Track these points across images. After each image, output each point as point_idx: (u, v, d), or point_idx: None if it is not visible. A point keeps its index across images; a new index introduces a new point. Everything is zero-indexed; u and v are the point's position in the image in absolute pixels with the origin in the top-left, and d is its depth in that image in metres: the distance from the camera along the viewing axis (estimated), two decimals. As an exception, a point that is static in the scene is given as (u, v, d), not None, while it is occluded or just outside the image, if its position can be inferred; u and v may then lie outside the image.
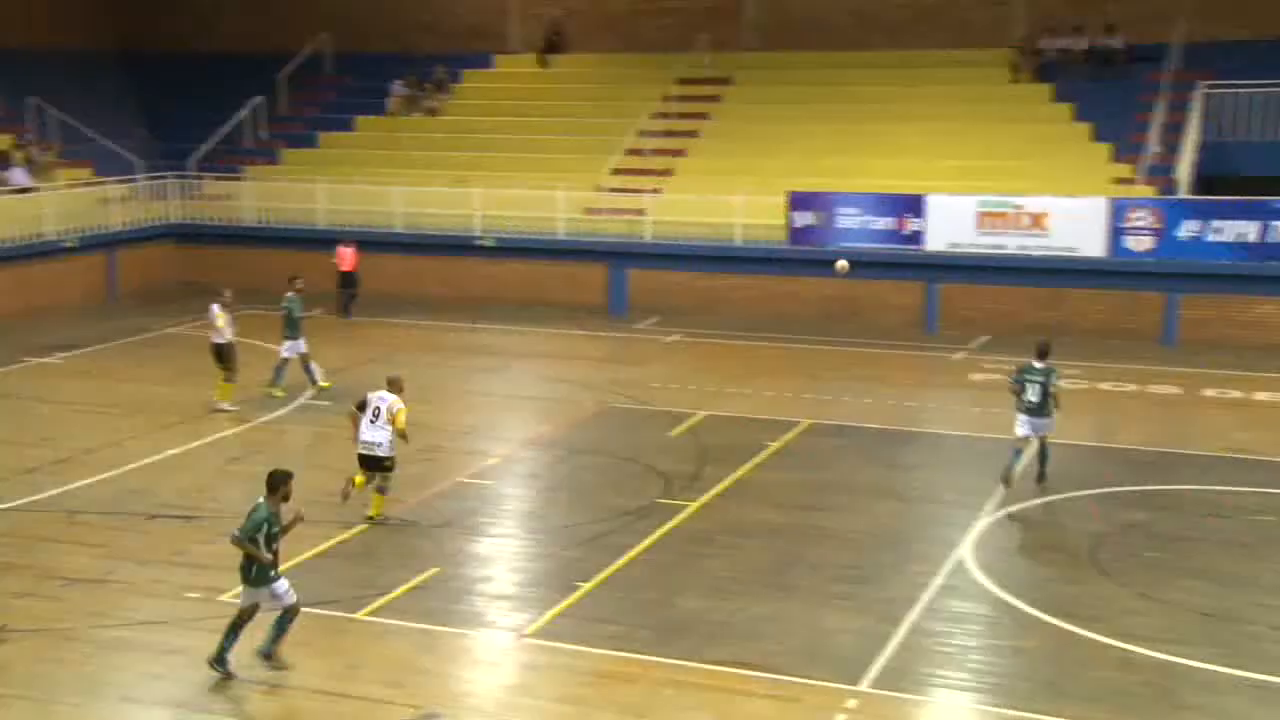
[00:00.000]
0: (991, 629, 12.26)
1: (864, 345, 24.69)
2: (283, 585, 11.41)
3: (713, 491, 16.14)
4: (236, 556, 13.80)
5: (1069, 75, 29.46)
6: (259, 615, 11.37)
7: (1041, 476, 16.27)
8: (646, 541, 14.46)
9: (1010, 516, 15.25)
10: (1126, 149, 26.82)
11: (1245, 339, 24.13)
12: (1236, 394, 20.77)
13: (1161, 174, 25.92)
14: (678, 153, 30.60)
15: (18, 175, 28.96)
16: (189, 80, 35.81)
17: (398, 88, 34.39)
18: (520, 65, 35.20)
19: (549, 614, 12.60)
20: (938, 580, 13.23)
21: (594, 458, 17.77)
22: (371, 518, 15.01)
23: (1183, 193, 25.29)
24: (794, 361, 23.56)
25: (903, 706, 10.85)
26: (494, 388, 21.99)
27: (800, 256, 26.96)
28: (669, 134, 30.97)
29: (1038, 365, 16.23)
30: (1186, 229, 24.40)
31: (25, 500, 15.81)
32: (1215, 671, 11.15)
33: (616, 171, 29.95)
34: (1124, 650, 11.56)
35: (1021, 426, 16.10)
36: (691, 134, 31.15)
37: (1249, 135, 26.64)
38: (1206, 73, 27.19)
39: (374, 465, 15.03)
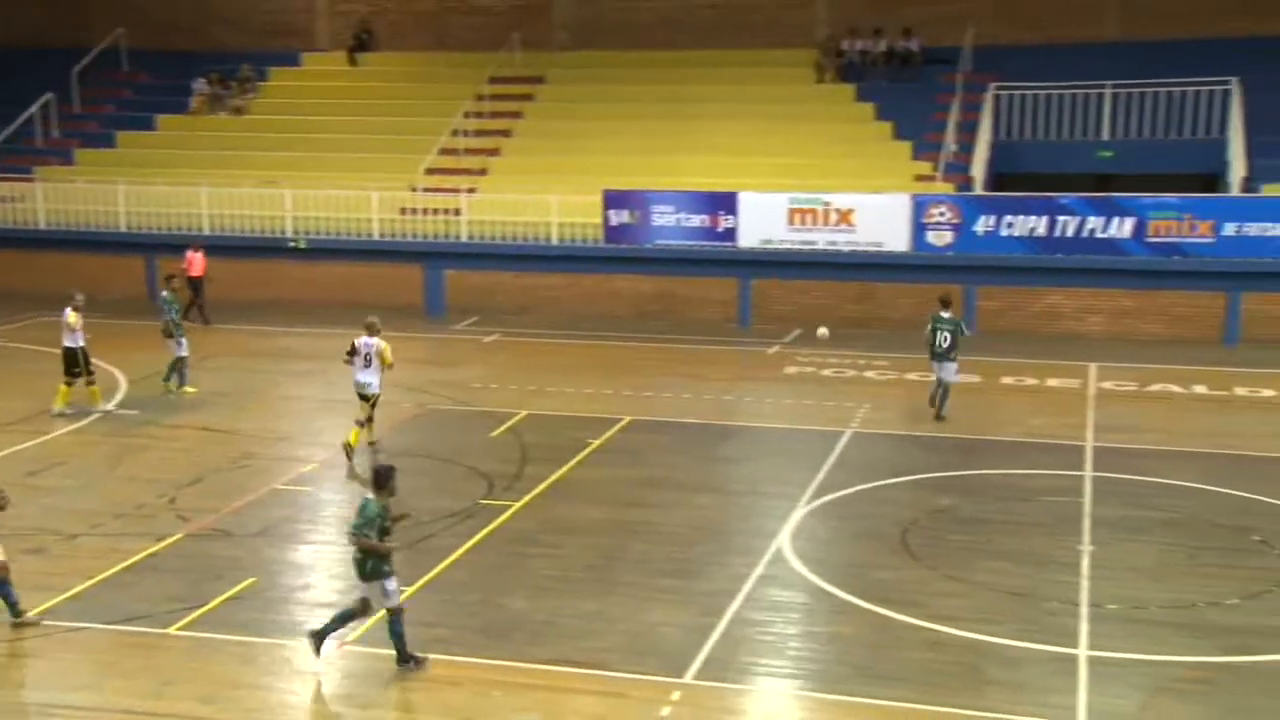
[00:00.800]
0: (809, 616, 12.53)
1: (681, 341, 24.98)
2: (393, 583, 11.31)
3: (535, 491, 16.09)
4: (36, 575, 13.22)
5: (870, 76, 30.40)
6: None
7: (939, 416, 18.99)
8: (470, 543, 14.32)
9: (826, 505, 15.62)
10: (925, 147, 27.81)
11: (1037, 328, 25.30)
12: (1031, 381, 21.75)
13: (958, 172, 26.97)
14: (492, 152, 30.42)
15: None
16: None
17: (201, 86, 33.29)
18: (329, 64, 34.51)
19: (371, 621, 12.33)
20: (758, 571, 13.46)
21: (414, 460, 17.47)
22: (350, 445, 17.24)
23: (978, 190, 26.34)
24: (614, 359, 23.67)
25: (726, 696, 10.99)
26: (310, 392, 21.48)
27: (617, 254, 27.12)
28: (482, 133, 30.76)
29: (945, 315, 19.00)
30: (982, 224, 25.43)
31: None
32: (1018, 647, 11.62)
33: (431, 171, 29.59)
34: (934, 631, 11.95)
35: (937, 369, 19.05)
36: (505, 133, 31.01)
37: (1036, 135, 27.92)
38: (996, 75, 28.39)
39: (367, 400, 17.33)
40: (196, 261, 26.73)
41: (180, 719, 10.53)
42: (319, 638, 11.42)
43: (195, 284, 26.58)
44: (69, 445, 18.16)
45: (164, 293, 21.61)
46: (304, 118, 32.12)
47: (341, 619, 11.44)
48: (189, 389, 20.99)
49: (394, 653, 11.41)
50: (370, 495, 11.41)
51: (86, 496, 15.93)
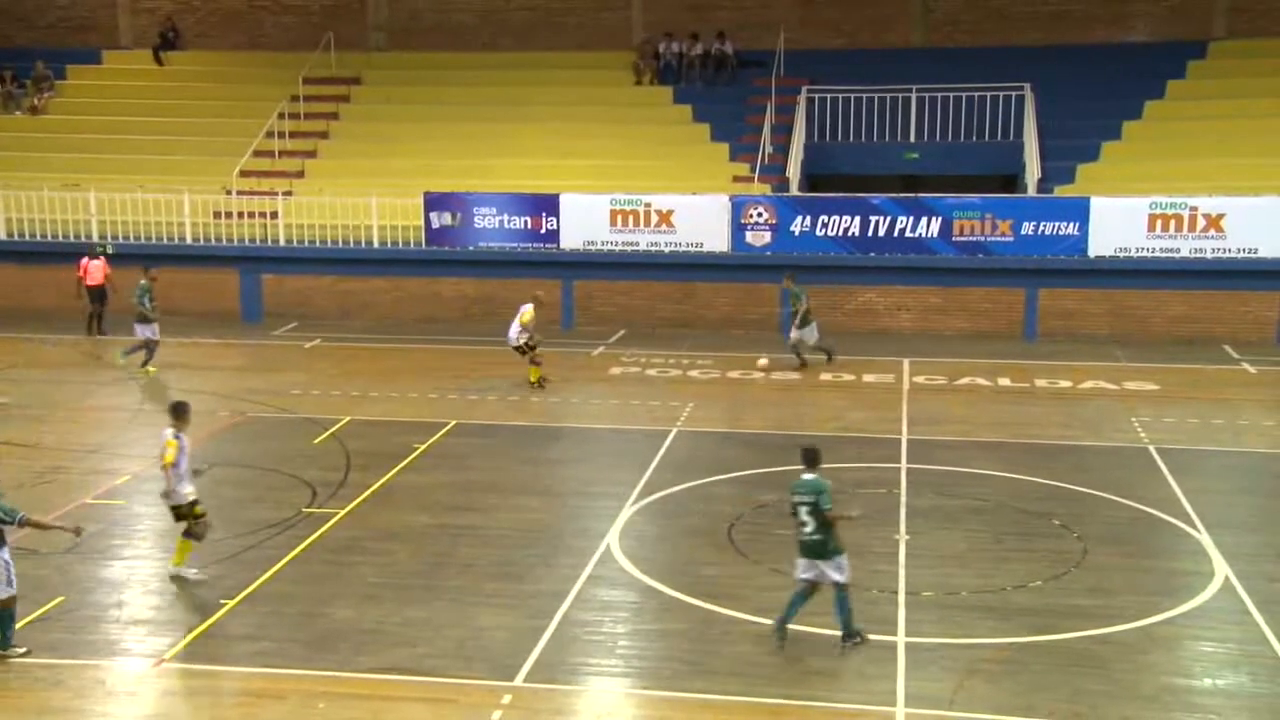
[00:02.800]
0: (638, 614, 12.63)
1: (504, 343, 24.84)
2: (845, 559, 11.63)
3: (360, 498, 15.82)
4: None
5: (687, 79, 30.82)
6: None
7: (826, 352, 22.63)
8: (293, 553, 13.99)
9: (653, 504, 15.78)
10: (741, 149, 28.35)
11: (853, 325, 26.05)
12: (849, 377, 22.37)
13: (774, 173, 27.57)
14: (309, 154, 29.78)
15: None
16: None
17: (-8, 83, 31.67)
18: (133, 61, 33.23)
19: (189, 636, 11.97)
20: (587, 571, 13.51)
21: (234, 470, 17.00)
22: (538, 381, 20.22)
23: (793, 190, 26.98)
24: (438, 362, 23.44)
25: (556, 697, 11.00)
26: (121, 402, 20.65)
27: (439, 257, 26.86)
28: (298, 134, 30.08)
29: (794, 287, 22.22)
30: (798, 224, 26.05)
31: None
32: (836, 636, 11.93)
33: (245, 173, 28.79)
34: (759, 625, 12.18)
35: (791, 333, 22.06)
36: (322, 134, 30.40)
37: (847, 137, 28.75)
38: (808, 78, 29.12)
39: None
40: (94, 270, 25.26)
41: (-15, 749, 10.03)
42: (782, 627, 11.68)
43: (95, 293, 25.12)
44: None
45: (141, 280, 22.40)
46: (108, 118, 30.89)
47: (797, 603, 11.72)
48: (151, 368, 22.35)
49: (32, 684, 11.01)
50: (809, 475, 11.82)
51: (-124, 519, 14.95)
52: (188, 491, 13.35)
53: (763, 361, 22.36)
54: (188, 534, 13.46)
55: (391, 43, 33.07)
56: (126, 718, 10.77)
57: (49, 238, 27.71)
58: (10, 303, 27.30)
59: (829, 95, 28.64)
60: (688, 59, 31.15)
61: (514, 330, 21.17)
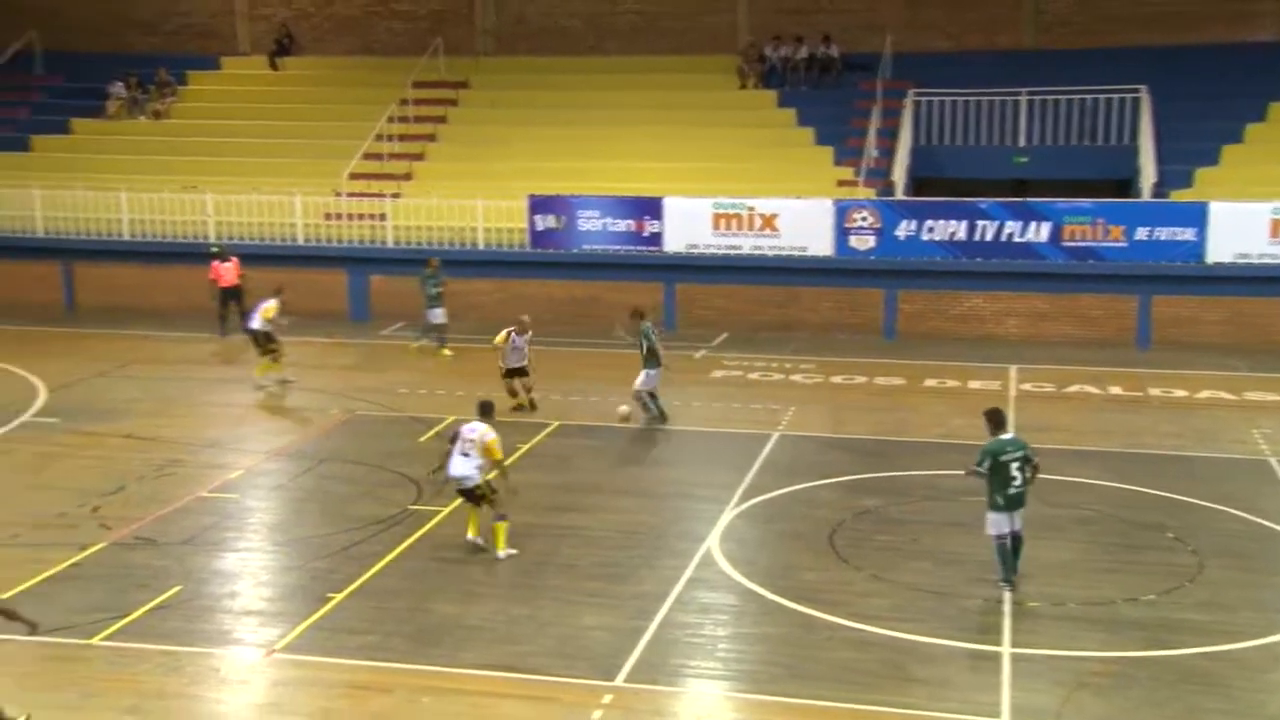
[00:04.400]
0: (738, 618, 12.62)
1: (607, 346, 24.95)
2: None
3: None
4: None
5: (791, 82, 30.67)
6: None
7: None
8: (399, 549, 14.23)
9: (754, 508, 15.74)
10: (846, 153, 28.13)
11: (957, 331, 25.69)
12: (953, 383, 22.07)
13: (879, 177, 27.31)
14: (417, 156, 30.24)
15: None
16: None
17: (118, 89, 32.67)
18: (250, 68, 34.05)
19: (299, 628, 12.24)
20: (687, 573, 13.53)
21: (343, 466, 17.36)
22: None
23: (898, 194, 26.71)
24: (541, 363, 23.56)
25: (656, 699, 11.04)
26: (235, 399, 21.19)
27: (543, 259, 27.09)
28: (407, 138, 30.56)
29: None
30: (903, 228, 25.77)
31: None
32: (941, 645, 11.80)
33: (355, 176, 29.34)
34: (859, 630, 12.10)
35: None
36: (430, 138, 30.84)
37: (954, 141, 28.37)
38: (914, 82, 28.80)
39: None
40: (226, 272, 25.89)
41: (105, 731, 10.37)
42: (1009, 576, 12.93)
43: (228, 293, 25.67)
44: (-14, 454, 17.77)
45: (425, 270, 24.10)
46: (225, 122, 31.68)
47: (1013, 556, 12.96)
48: (446, 350, 23.75)
49: (150, 670, 11.41)
50: (1005, 435, 13.14)
51: (4, 506, 15.58)
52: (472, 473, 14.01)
53: (623, 409, 19.18)
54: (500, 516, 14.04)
55: (499, 47, 33.44)
56: (239, 705, 11.06)
57: (169, 238, 28.51)
58: (134, 301, 28.17)
59: (936, 99, 28.29)
60: (792, 62, 31.01)
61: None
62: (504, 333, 20.21)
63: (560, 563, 13.94)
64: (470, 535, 14.27)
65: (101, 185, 28.95)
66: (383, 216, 28.04)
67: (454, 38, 32.91)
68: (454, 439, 14.22)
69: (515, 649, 11.79)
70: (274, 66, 33.80)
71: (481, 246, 27.47)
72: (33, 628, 10.50)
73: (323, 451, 17.94)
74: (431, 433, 18.81)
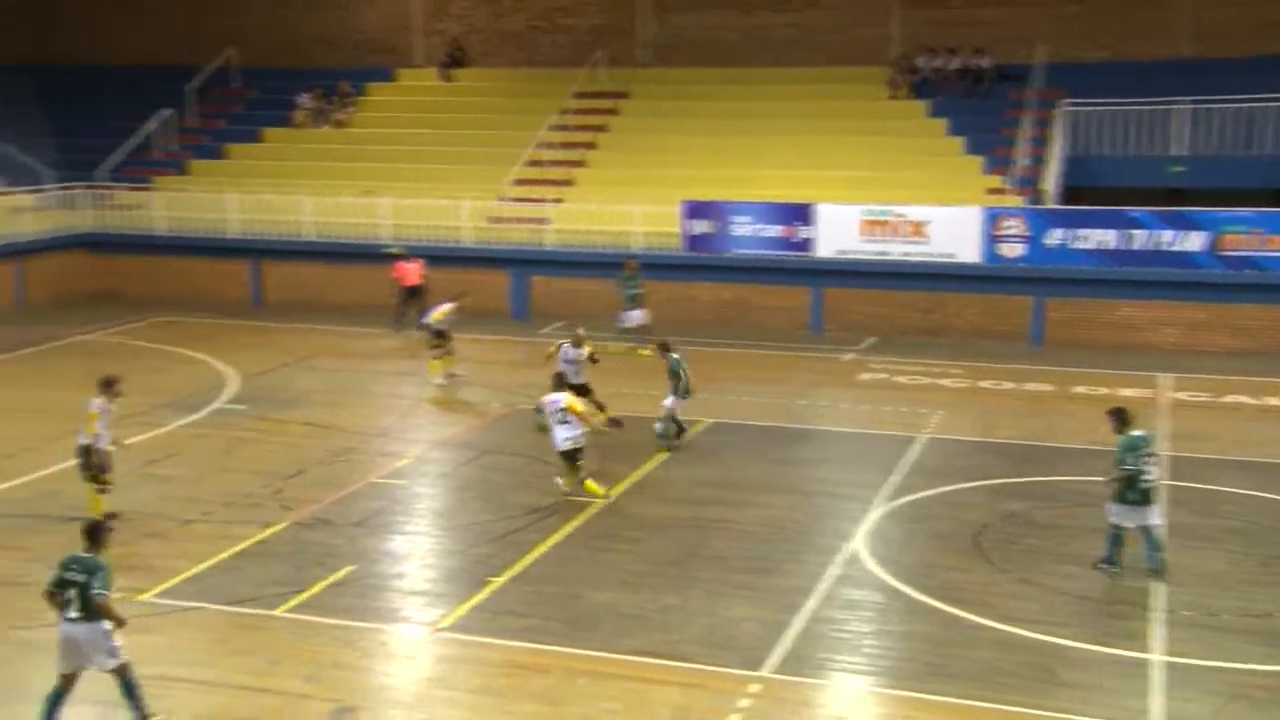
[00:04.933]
0: (883, 615, 12.42)
1: (757, 347, 24.89)
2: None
3: (618, 488, 16.11)
4: (155, 557, 13.56)
5: (942, 92, 30.06)
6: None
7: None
8: (555, 537, 14.39)
9: (900, 508, 15.47)
10: (996, 162, 27.43)
11: (1107, 339, 24.80)
12: (1103, 390, 21.32)
13: (1029, 185, 26.56)
14: (577, 164, 30.54)
15: (-74, 185, 27.91)
16: (100, 93, 34.88)
17: (304, 100, 33.81)
18: (423, 79, 34.86)
19: (462, 608, 12.48)
20: (834, 569, 13.37)
21: (503, 458, 17.64)
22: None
23: (1049, 203, 25.94)
24: (692, 363, 23.54)
25: (802, 690, 10.93)
26: (405, 391, 21.70)
27: (696, 263, 27.08)
28: (568, 145, 30.90)
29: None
30: (1053, 237, 25.01)
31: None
32: (1088, 650, 11.42)
33: (518, 182, 29.80)
34: (1005, 632, 11.79)
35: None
36: (590, 145, 31.12)
37: (1107, 150, 27.41)
38: (1067, 91, 27.93)
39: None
40: (409, 272, 26.50)
41: (287, 695, 10.72)
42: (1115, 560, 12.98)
43: (410, 292, 26.20)
44: (184, 438, 18.54)
45: (623, 272, 24.32)
46: (400, 130, 32.50)
47: (1155, 547, 12.93)
48: (643, 351, 23.24)
49: (327, 641, 11.69)
50: (1136, 431, 12.96)
51: (199, 485, 16.27)
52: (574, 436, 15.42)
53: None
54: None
55: (658, 59, 33.55)
56: (406, 679, 11.32)
57: (348, 239, 29.39)
58: (316, 297, 29.12)
59: (1089, 108, 27.39)
60: (944, 73, 30.40)
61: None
62: (556, 344, 19.27)
63: (709, 555, 13.92)
64: (601, 493, 15.60)
65: (288, 189, 30.00)
66: (544, 220, 28.41)
67: (615, 50, 33.17)
68: (540, 410, 15.95)
69: (666, 636, 11.81)
70: (445, 78, 34.55)
71: (637, 250, 27.60)
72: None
73: (485, 443, 18.25)
74: (588, 427, 18.92)
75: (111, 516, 13.96)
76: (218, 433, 18.78)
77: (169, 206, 30.68)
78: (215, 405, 20.25)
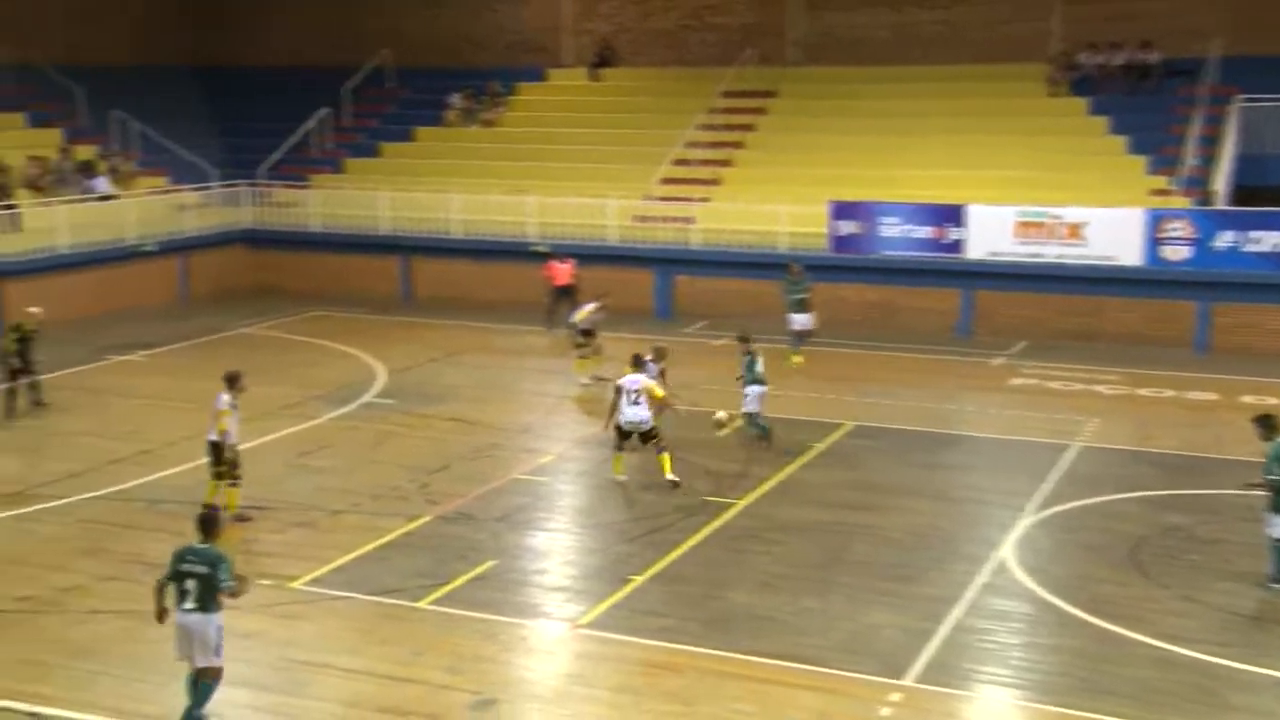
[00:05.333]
0: (1033, 627, 12.08)
1: (904, 350, 24.48)
2: None
3: (759, 490, 16.05)
4: (305, 546, 14.01)
5: (1105, 89, 29.08)
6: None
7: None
8: (695, 537, 14.39)
9: (1051, 517, 15.04)
10: (1161, 162, 26.43)
11: (1277, 347, 23.66)
12: (1273, 400, 20.35)
13: (1196, 186, 25.52)
14: (724, 163, 30.50)
15: (101, 184, 29.33)
16: (260, 93, 36.20)
17: (455, 100, 34.52)
18: (572, 79, 35.24)
19: (601, 606, 12.57)
20: (980, 579, 13.07)
21: (642, 456, 17.68)
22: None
23: (1219, 204, 24.88)
24: (837, 364, 23.38)
25: (946, 701, 10.71)
26: (549, 388, 21.96)
27: (843, 263, 26.75)
28: (715, 145, 30.87)
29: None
30: (1223, 239, 23.98)
31: (112, 489, 16.02)
32: (1257, 673, 10.91)
33: (665, 181, 29.89)
34: (1164, 650, 11.35)
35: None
36: (737, 145, 31.04)
37: (1283, 148, 26.19)
38: (1240, 87, 26.75)
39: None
40: (561, 272, 26.77)
41: (429, 685, 10.95)
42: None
43: (561, 291, 26.34)
44: (334, 430, 19.10)
45: (787, 275, 23.81)
46: (548, 130, 32.91)
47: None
48: (796, 359, 23.03)
49: (468, 634, 11.82)
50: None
51: (348, 477, 16.74)
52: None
53: (720, 415, 18.04)
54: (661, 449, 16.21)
55: (807, 57, 33.27)
56: (546, 674, 11.46)
57: (496, 237, 29.91)
58: (463, 293, 29.70)
59: (1266, 104, 26.16)
60: (1107, 69, 29.40)
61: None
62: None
63: (851, 560, 13.75)
64: (619, 476, 16.34)
65: (439, 188, 30.67)
66: (690, 220, 28.43)
67: (764, 49, 32.99)
68: (619, 392, 16.28)
69: (805, 641, 11.70)
70: (594, 78, 34.87)
71: (783, 250, 27.43)
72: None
73: (627, 442, 18.28)
74: (731, 428, 18.91)
75: (247, 510, 14.42)
76: (367, 426, 19.29)
77: (324, 204, 31.67)
78: (365, 399, 20.81)
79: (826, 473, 16.86)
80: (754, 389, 18.16)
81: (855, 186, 27.48)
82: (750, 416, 18.19)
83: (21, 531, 14.68)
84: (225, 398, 14.86)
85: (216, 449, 14.88)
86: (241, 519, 14.63)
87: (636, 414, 16.24)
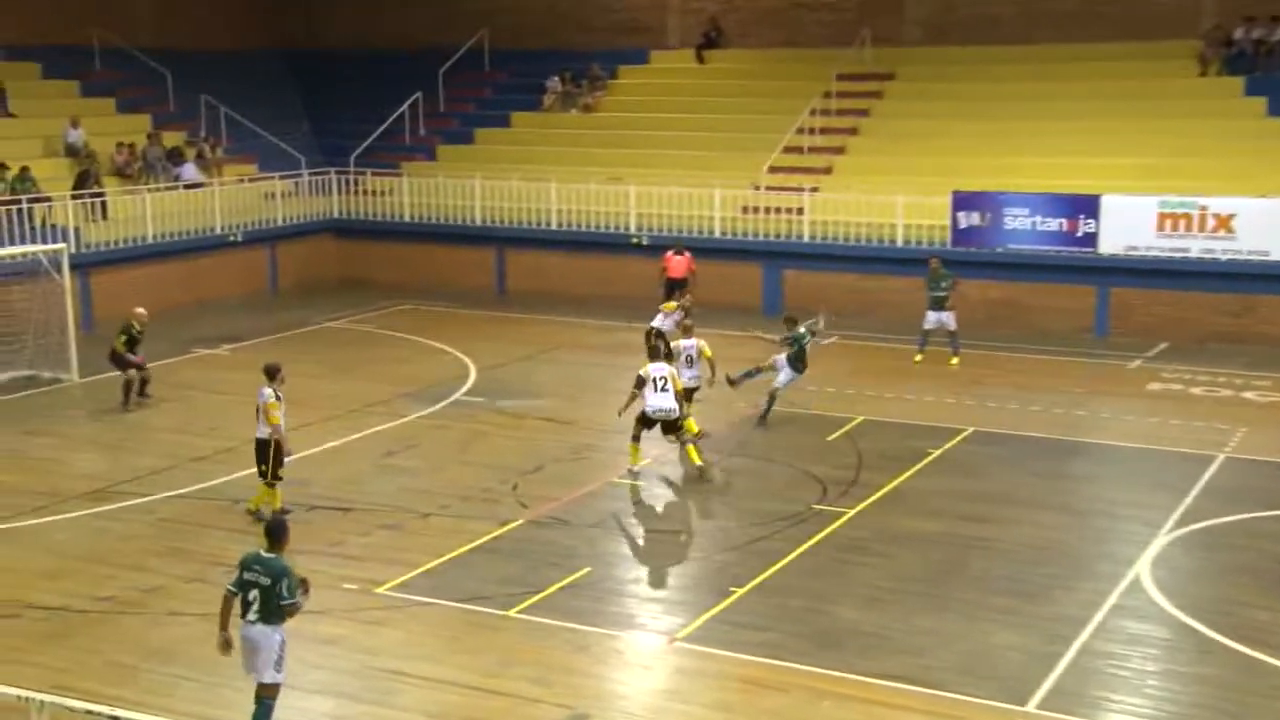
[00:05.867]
0: (1171, 653, 11.75)
1: (1030, 350, 24.01)
2: None
3: (870, 498, 15.87)
4: (391, 549, 14.21)
5: (1262, 68, 28.14)
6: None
7: None
8: (801, 548, 14.27)
9: (1192, 534, 14.62)
10: (1326, 147, 25.54)
11: None
12: None
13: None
14: (837, 150, 30.23)
15: (189, 171, 30.11)
16: (350, 78, 36.79)
17: (554, 84, 34.74)
18: (677, 61, 35.20)
19: (700, 618, 12.53)
20: (1111, 599, 12.75)
21: (747, 460, 17.64)
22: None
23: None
24: (956, 366, 23.00)
25: (1073, 730, 10.47)
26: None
27: (964, 258, 26.31)
28: (828, 131, 30.61)
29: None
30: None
31: (195, 488, 16.40)
32: None
33: (774, 169, 29.73)
34: (1318, 682, 10.97)
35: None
36: (852, 131, 30.75)
37: None
38: None
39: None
40: (677, 265, 26.90)
41: (517, 698, 11.01)
42: None
43: (673, 285, 26.28)
44: (423, 429, 19.33)
45: (928, 270, 23.41)
46: (651, 115, 32.91)
47: None
48: (954, 360, 22.84)
49: (559, 645, 11.94)
50: None
51: (436, 478, 16.94)
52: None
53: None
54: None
55: (927, 37, 32.82)
56: (639, 688, 11.46)
57: (592, 228, 30.03)
58: (558, 287, 29.86)
59: None
60: (1267, 45, 28.42)
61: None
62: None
63: (968, 575, 13.52)
64: (636, 465, 16.96)
65: (535, 176, 30.90)
66: (800, 211, 28.24)
67: (881, 28, 32.58)
68: (640, 384, 16.66)
69: (918, 661, 11.53)
70: (700, 60, 34.81)
71: (899, 244, 27.10)
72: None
73: (729, 444, 18.28)
74: (839, 432, 18.76)
75: (285, 512, 14.61)
76: (456, 425, 19.50)
77: (415, 192, 32.10)
78: (455, 396, 21.03)
79: (943, 481, 16.61)
80: (787, 373, 19.19)
81: (979, 176, 27.03)
82: (774, 394, 19.22)
83: (103, 530, 15.12)
84: (268, 391, 14.89)
85: (264, 447, 14.95)
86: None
87: (665, 402, 16.59)
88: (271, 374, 15.05)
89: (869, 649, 11.79)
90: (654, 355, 17.53)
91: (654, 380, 16.67)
